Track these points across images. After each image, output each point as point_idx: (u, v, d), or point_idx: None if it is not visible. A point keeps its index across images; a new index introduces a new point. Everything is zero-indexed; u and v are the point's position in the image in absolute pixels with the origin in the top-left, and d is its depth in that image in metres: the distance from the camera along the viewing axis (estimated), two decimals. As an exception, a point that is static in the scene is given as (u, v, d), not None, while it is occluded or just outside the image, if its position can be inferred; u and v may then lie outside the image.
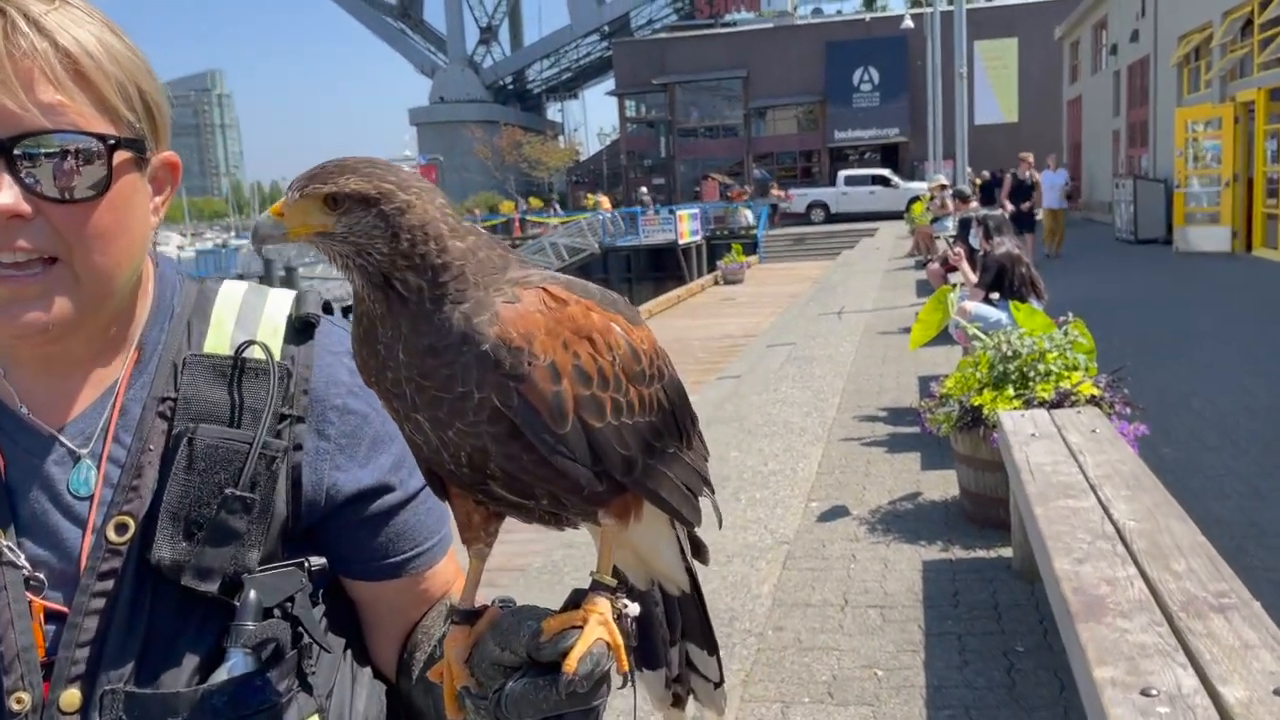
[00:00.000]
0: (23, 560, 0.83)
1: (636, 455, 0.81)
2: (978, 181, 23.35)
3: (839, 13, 63.99)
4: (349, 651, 0.96)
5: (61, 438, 0.88)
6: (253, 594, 0.85)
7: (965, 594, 4.23)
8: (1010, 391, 4.86)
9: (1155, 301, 12.16)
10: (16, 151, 0.77)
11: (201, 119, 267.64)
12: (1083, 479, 3.56)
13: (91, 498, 0.86)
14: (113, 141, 0.82)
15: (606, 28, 70.56)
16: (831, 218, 37.13)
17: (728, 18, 62.62)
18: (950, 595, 4.23)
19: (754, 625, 4.03)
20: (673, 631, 0.95)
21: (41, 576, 0.83)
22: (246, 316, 0.94)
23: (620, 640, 0.79)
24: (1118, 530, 3.04)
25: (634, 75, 55.46)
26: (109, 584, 0.83)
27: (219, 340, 0.92)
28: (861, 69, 49.50)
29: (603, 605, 0.80)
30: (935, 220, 15.77)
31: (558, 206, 46.21)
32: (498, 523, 0.86)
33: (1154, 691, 2.08)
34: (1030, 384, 4.89)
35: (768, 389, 9.07)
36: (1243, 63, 16.41)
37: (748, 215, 37.49)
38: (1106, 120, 26.24)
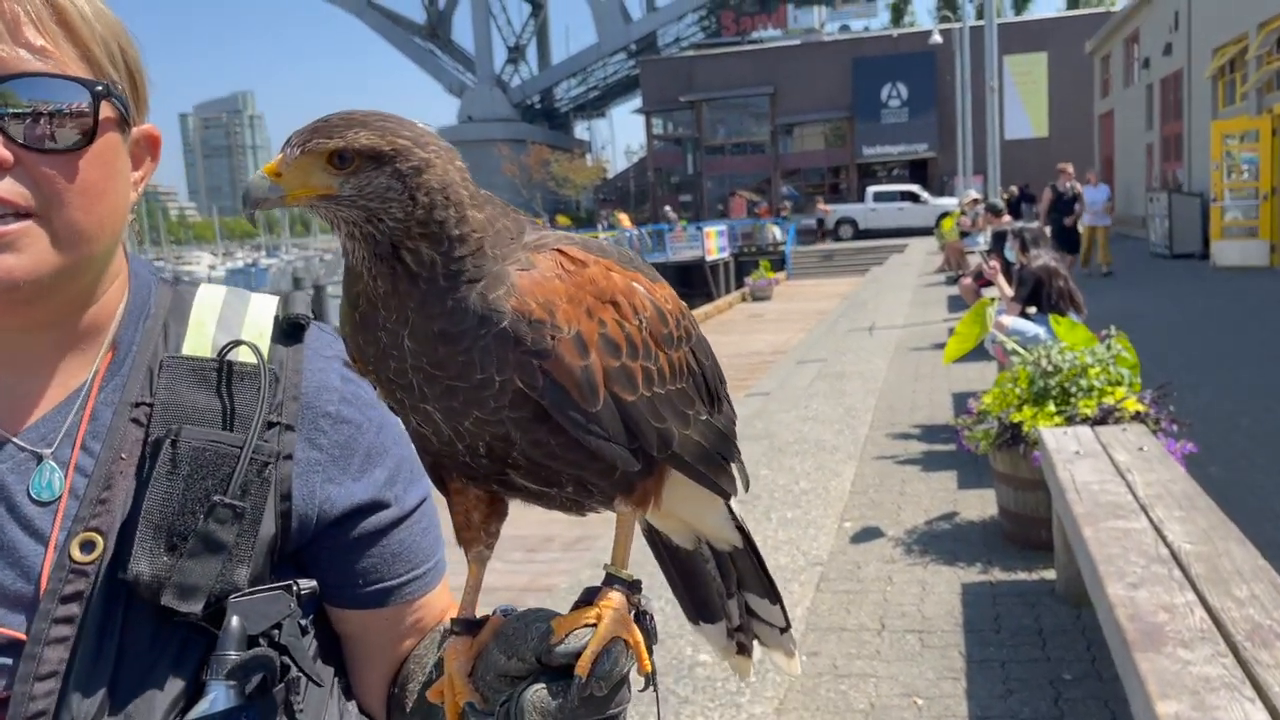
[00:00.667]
0: None
1: (672, 428, 0.73)
2: (1007, 197, 23.12)
3: (866, 29, 63.89)
4: (336, 683, 0.86)
5: (19, 441, 0.78)
6: (235, 620, 0.75)
7: (1007, 618, 4.07)
8: (1051, 408, 4.71)
9: (1194, 317, 11.91)
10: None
11: (233, 140, 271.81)
12: (1132, 499, 3.41)
13: (55, 505, 0.77)
14: (101, 88, 0.75)
15: (634, 46, 70.93)
16: (860, 234, 36.92)
17: (754, 35, 62.81)
18: (991, 620, 4.07)
19: (787, 650, 3.89)
20: (728, 584, 0.91)
21: None
22: (228, 318, 0.85)
23: (639, 637, 0.72)
24: (1173, 553, 2.89)
25: (661, 93, 55.59)
26: (73, 608, 0.73)
27: (199, 342, 0.83)
28: (889, 85, 49.32)
29: (617, 600, 0.72)
30: (964, 235, 15.58)
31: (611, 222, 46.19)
32: (499, 522, 0.78)
33: (1223, 729, 1.94)
34: (1072, 400, 4.73)
35: (798, 406, 8.93)
36: (1278, 75, 16.14)
37: (775, 232, 37.38)
38: (1139, 134, 25.93)
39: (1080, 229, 15.93)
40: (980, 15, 16.65)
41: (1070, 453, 4.04)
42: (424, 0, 77.36)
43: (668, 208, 41.94)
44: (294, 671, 0.78)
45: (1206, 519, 3.14)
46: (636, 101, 61.73)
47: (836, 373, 10.45)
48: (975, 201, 15.13)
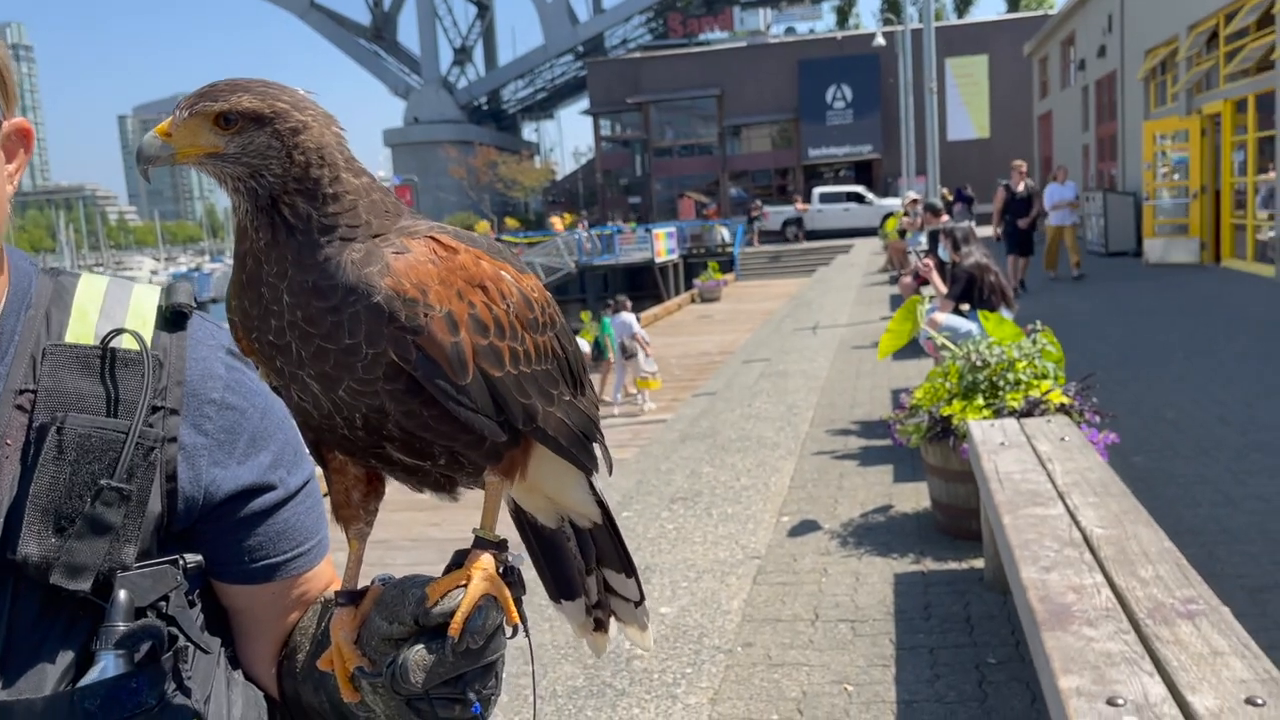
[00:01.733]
0: None
1: (536, 403, 0.78)
2: (949, 196, 23.47)
3: (812, 31, 64.52)
4: (223, 654, 0.89)
5: None
6: (123, 593, 0.79)
7: (937, 606, 4.18)
8: (980, 401, 4.84)
9: (1127, 313, 12.22)
10: None
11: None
12: (1051, 487, 3.53)
13: None
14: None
15: (581, 48, 70.87)
16: (807, 235, 37.28)
17: (701, 37, 63.18)
18: (922, 608, 4.18)
19: (723, 642, 3.96)
20: (587, 561, 0.96)
21: None
22: (111, 307, 0.88)
23: (507, 593, 0.78)
24: (1085, 537, 3.00)
25: (608, 95, 55.64)
26: None
27: (82, 330, 0.86)
28: (834, 87, 49.86)
29: (486, 561, 0.78)
30: (904, 234, 15.82)
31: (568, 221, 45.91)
32: (377, 501, 0.83)
33: (1120, 700, 2.03)
34: (1000, 393, 4.86)
35: (742, 404, 9.02)
36: (1208, 76, 16.60)
37: (724, 233, 37.59)
38: (1076, 135, 26.49)
39: (1044, 229, 15.48)
40: (922, 18, 17.00)
41: (996, 444, 4.16)
42: (368, 2, 76.59)
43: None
44: (182, 641, 0.81)
45: (1119, 504, 3.25)
46: (584, 103, 61.74)
47: (780, 371, 10.57)
48: (915, 202, 15.36)
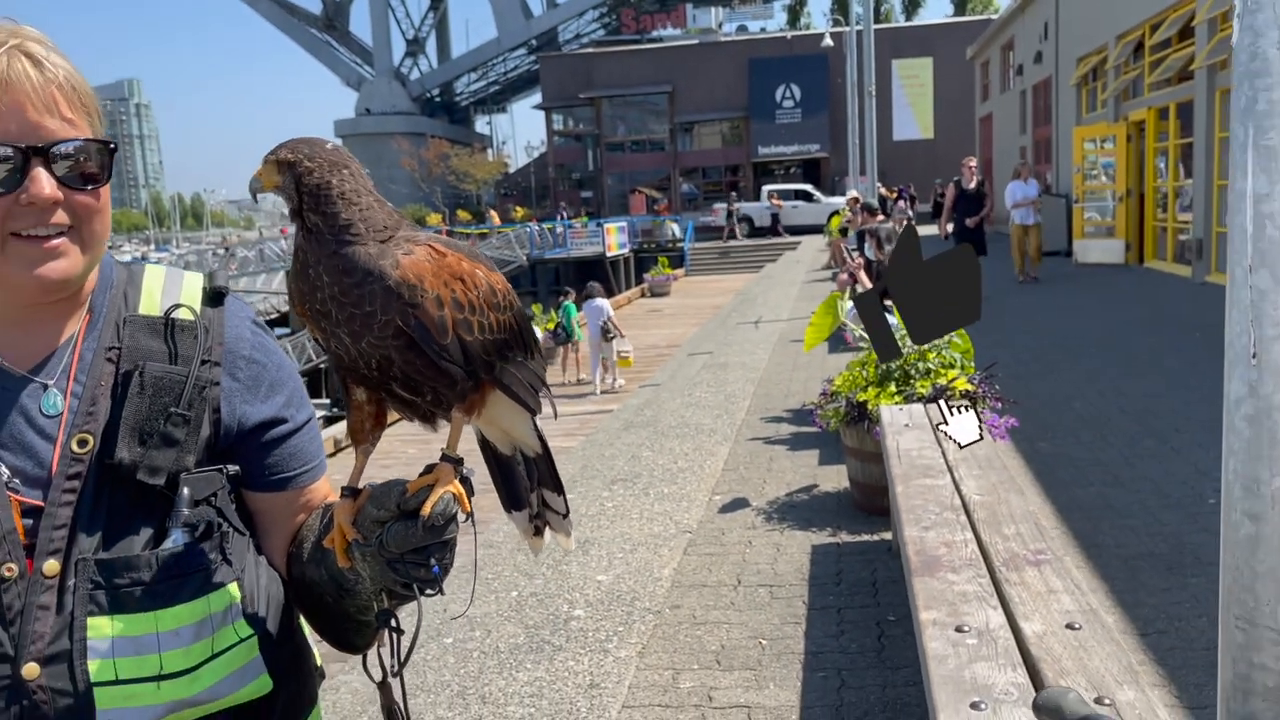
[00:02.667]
0: (3, 469, 1.10)
1: (495, 360, 1.13)
2: (892, 195, 24.10)
3: (763, 30, 65.21)
4: (252, 544, 1.25)
5: (33, 377, 1.15)
6: (186, 489, 1.13)
7: (848, 573, 4.61)
8: (893, 388, 5.28)
9: (1052, 310, 12.83)
10: (53, 154, 1.07)
11: (119, 129, 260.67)
12: (942, 461, 3.96)
13: (59, 418, 1.13)
14: (113, 146, 1.14)
15: (534, 42, 70.87)
16: (756, 231, 37.89)
17: (654, 34, 63.49)
18: (834, 575, 4.60)
19: (653, 604, 4.35)
20: (532, 482, 1.29)
21: (17, 481, 1.10)
22: (170, 287, 1.23)
23: (463, 491, 1.10)
24: (964, 503, 3.43)
25: (561, 89, 55.85)
26: (75, 483, 1.10)
27: (150, 304, 1.21)
28: (784, 86, 50.60)
29: (448, 469, 1.11)
30: (845, 232, 16.35)
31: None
32: (380, 430, 1.17)
33: (966, 628, 2.44)
34: (911, 381, 5.31)
35: (683, 394, 9.43)
36: (1134, 84, 17.34)
37: (674, 228, 38.03)
38: (1015, 137, 27.31)
39: (1012, 230, 15.21)
40: (877, 20, 17.59)
41: (901, 425, 4.60)
42: (320, -10, 75.88)
43: (563, 204, 42.51)
44: (225, 526, 1.17)
45: (997, 476, 3.70)
46: (537, 97, 61.81)
47: (721, 364, 11.00)
48: (856, 200, 15.88)
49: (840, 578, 4.56)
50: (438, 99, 75.52)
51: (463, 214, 49.87)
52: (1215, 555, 1.02)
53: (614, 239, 33.97)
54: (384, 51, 73.51)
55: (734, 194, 41.43)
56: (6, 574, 1.06)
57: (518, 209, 51.54)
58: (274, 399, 1.24)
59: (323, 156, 1.08)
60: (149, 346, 1.17)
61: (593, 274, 33.20)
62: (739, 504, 5.74)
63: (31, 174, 1.06)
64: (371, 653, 1.23)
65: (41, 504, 1.09)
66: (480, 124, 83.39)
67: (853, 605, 4.25)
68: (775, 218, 38.00)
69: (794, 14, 75.93)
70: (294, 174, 1.07)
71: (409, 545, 1.06)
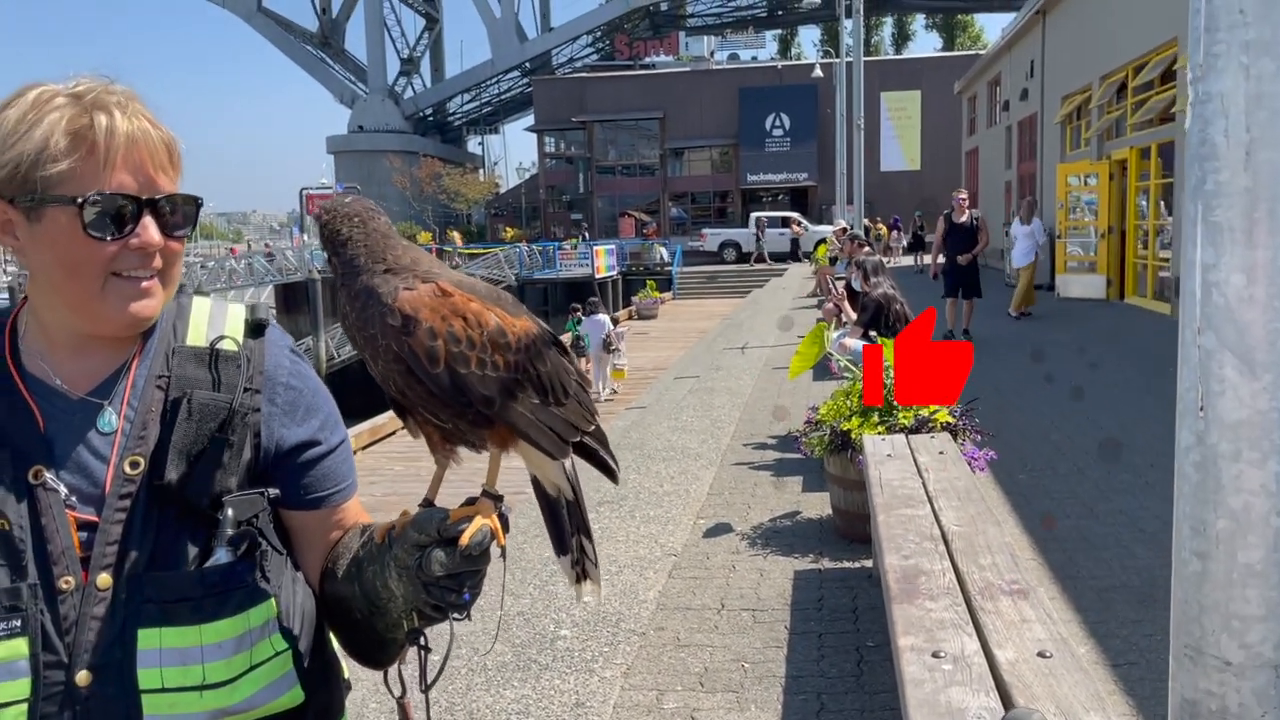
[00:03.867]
0: (62, 487, 1.19)
1: (495, 396, 1.18)
2: (878, 226, 24.36)
3: (754, 59, 65.87)
4: (288, 559, 1.34)
5: (90, 398, 1.25)
6: (230, 510, 1.22)
7: (829, 599, 4.71)
8: (876, 418, 5.40)
9: (1034, 343, 13.01)
10: (159, 205, 1.20)
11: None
12: (923, 492, 4.07)
13: (113, 436, 1.23)
14: (201, 201, 1.26)
15: (528, 64, 71.27)
16: (743, 257, 38.14)
17: (646, 60, 64.03)
18: (816, 600, 4.70)
19: (638, 626, 4.43)
20: (573, 525, 1.33)
21: (74, 499, 1.20)
22: (215, 319, 1.33)
23: (499, 525, 1.18)
24: (943, 533, 3.54)
25: (554, 112, 56.22)
26: (127, 502, 1.19)
27: (197, 336, 1.31)
28: (773, 114, 51.09)
29: (488, 504, 1.19)
30: (833, 261, 16.55)
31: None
32: (449, 445, 1.24)
33: (943, 654, 2.55)
34: (894, 412, 5.43)
35: (670, 418, 9.54)
36: (1117, 123, 17.66)
37: (663, 252, 38.24)
38: (1000, 172, 27.67)
39: (1014, 273, 14.91)
40: (866, 52, 17.88)
41: (883, 455, 4.71)
42: (316, 8, 76.14)
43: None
44: (265, 545, 1.26)
45: (976, 508, 3.81)
46: (529, 119, 62.13)
47: (708, 388, 11.12)
48: (844, 230, 16.09)
49: (822, 603, 4.66)
50: (431, 118, 75.74)
51: (452, 233, 49.96)
52: (1183, 590, 1.11)
53: (602, 261, 34.13)
54: (378, 70, 73.73)
55: (761, 217, 40.62)
56: (64, 586, 1.15)
57: (508, 229, 51.78)
58: (310, 422, 1.34)
59: (340, 209, 1.21)
60: (196, 375, 1.27)
61: (580, 296, 33.42)
62: (723, 528, 5.83)
63: (143, 222, 1.19)
64: (392, 669, 1.32)
65: (96, 519, 1.19)
66: (473, 144, 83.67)
67: (833, 630, 4.35)
68: (795, 243, 38.33)
69: (785, 44, 76.74)
70: (319, 224, 1.20)
71: (445, 570, 1.14)
